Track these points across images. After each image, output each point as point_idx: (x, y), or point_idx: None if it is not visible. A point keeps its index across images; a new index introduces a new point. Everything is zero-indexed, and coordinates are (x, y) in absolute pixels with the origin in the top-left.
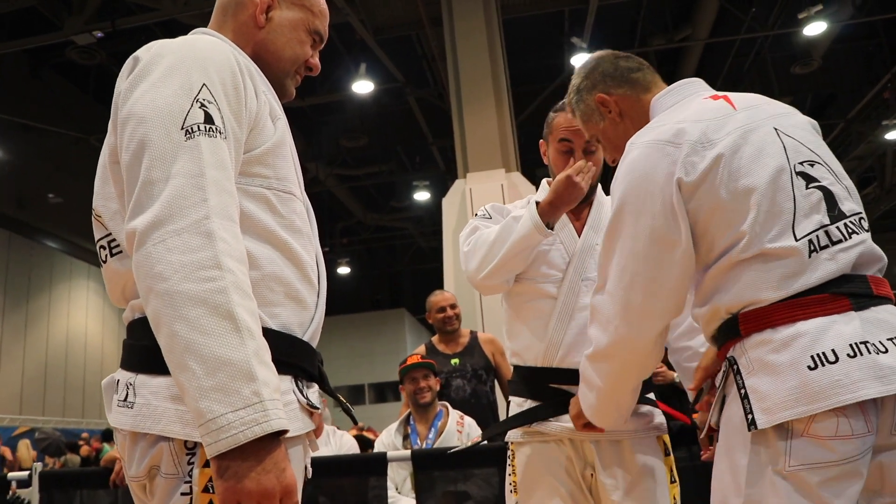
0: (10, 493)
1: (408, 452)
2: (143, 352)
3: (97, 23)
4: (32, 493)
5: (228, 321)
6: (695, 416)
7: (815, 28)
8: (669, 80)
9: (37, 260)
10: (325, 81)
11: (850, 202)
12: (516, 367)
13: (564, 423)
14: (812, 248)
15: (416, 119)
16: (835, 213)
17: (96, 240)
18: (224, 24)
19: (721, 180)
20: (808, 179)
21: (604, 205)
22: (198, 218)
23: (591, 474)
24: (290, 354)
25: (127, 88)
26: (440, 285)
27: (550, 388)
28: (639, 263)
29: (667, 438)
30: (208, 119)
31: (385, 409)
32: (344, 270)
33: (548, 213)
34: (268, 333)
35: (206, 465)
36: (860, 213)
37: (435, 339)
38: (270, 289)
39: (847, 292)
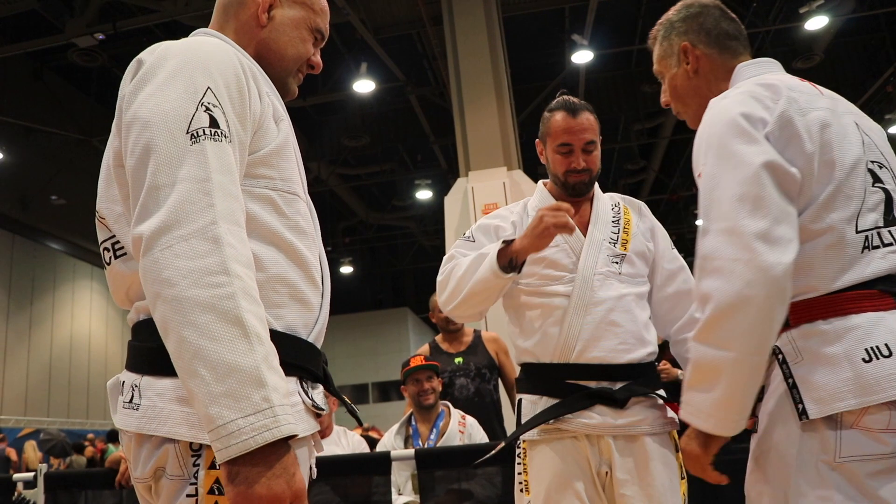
0: (16, 494)
1: (411, 451)
2: (148, 353)
3: (98, 25)
4: (38, 493)
5: (237, 327)
6: None
7: (816, 22)
8: None
9: (40, 261)
10: (327, 81)
11: None
12: (529, 365)
13: (584, 419)
14: (866, 244)
15: (418, 118)
16: (889, 217)
17: (100, 242)
18: (226, 24)
19: (813, 147)
20: (875, 178)
21: (602, 200)
22: (205, 223)
23: (607, 472)
24: (295, 356)
25: (131, 91)
26: None
27: (568, 385)
28: (753, 187)
29: (675, 434)
30: (213, 123)
31: (389, 408)
32: (346, 270)
33: (519, 254)
34: (273, 335)
35: (212, 466)
36: None
37: (438, 337)
38: (275, 290)
39: (894, 292)
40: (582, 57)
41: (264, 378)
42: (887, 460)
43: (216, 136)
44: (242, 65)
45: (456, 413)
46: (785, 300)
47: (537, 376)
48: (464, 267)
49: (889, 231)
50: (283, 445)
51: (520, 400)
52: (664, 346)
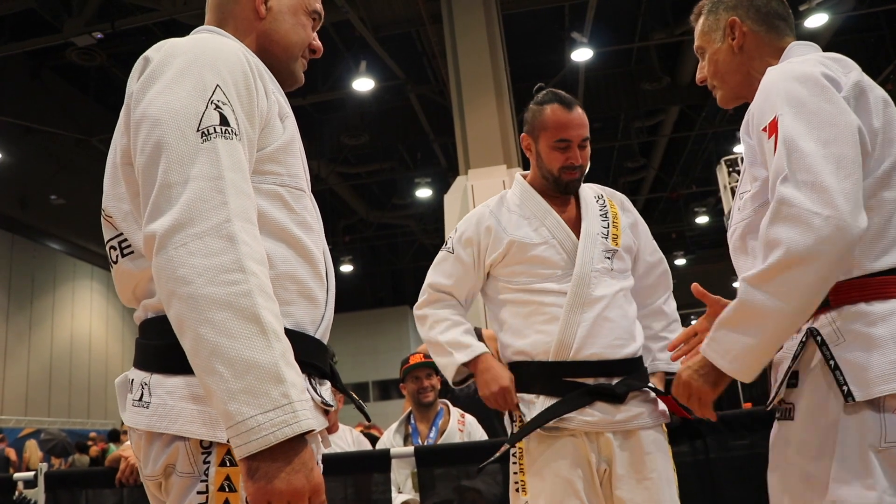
0: (17, 493)
1: (411, 449)
2: (157, 351)
3: (97, 24)
4: (38, 493)
5: (254, 324)
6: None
7: (816, 20)
8: (671, 75)
9: (40, 262)
10: (326, 79)
11: None
12: (523, 364)
13: (584, 416)
14: None
15: (418, 116)
16: None
17: (106, 240)
18: (223, 20)
19: (879, 123)
20: None
21: (585, 192)
22: (219, 221)
23: (605, 469)
24: (303, 353)
25: (139, 89)
26: None
27: (566, 382)
28: (845, 147)
29: (665, 427)
30: (223, 121)
31: (389, 406)
32: (347, 268)
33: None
34: None
35: (223, 464)
36: None
37: None
38: (284, 287)
39: None
40: (582, 55)
41: (283, 374)
42: None
43: (227, 134)
44: (249, 62)
45: (455, 411)
46: (847, 264)
47: (533, 375)
48: (437, 334)
49: None
50: (302, 440)
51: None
52: None
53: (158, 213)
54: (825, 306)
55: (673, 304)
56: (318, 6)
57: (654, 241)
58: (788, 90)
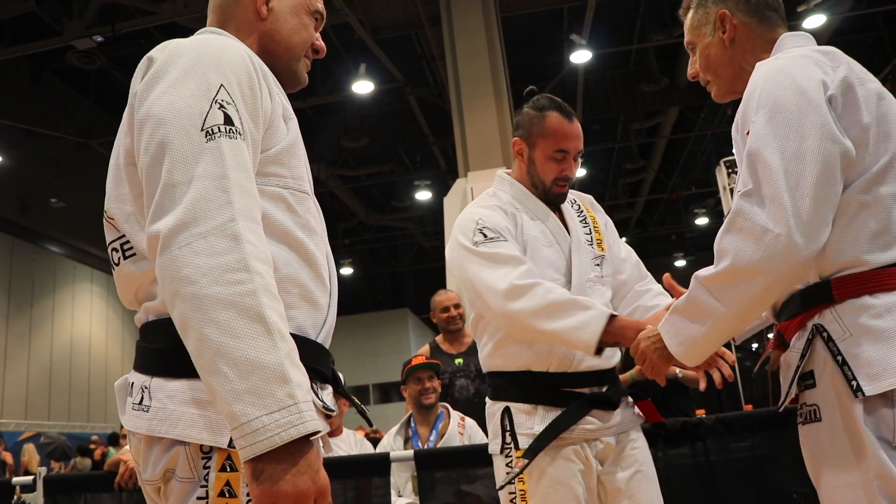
0: (15, 497)
1: (410, 452)
2: (158, 354)
3: (97, 27)
4: (37, 497)
5: (259, 324)
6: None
7: (814, 21)
8: (669, 76)
9: (40, 265)
10: (326, 82)
11: None
12: (519, 374)
13: (584, 425)
14: None
15: (417, 118)
16: None
17: (108, 242)
18: (225, 22)
19: (870, 118)
20: None
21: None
22: (223, 220)
23: (600, 469)
24: (305, 357)
25: (143, 89)
26: (443, 284)
27: (567, 393)
28: (806, 164)
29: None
30: (228, 120)
31: (390, 409)
32: (347, 271)
33: (610, 340)
34: None
35: (223, 469)
36: None
37: (439, 338)
38: (286, 291)
39: None
40: (580, 57)
41: (288, 374)
42: None
43: (231, 134)
44: (253, 63)
45: (455, 415)
46: (797, 280)
47: (531, 385)
48: (558, 301)
49: None
50: (307, 442)
51: (507, 408)
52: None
53: (162, 212)
54: (829, 301)
55: (656, 284)
56: (320, 6)
57: (621, 240)
58: (769, 94)
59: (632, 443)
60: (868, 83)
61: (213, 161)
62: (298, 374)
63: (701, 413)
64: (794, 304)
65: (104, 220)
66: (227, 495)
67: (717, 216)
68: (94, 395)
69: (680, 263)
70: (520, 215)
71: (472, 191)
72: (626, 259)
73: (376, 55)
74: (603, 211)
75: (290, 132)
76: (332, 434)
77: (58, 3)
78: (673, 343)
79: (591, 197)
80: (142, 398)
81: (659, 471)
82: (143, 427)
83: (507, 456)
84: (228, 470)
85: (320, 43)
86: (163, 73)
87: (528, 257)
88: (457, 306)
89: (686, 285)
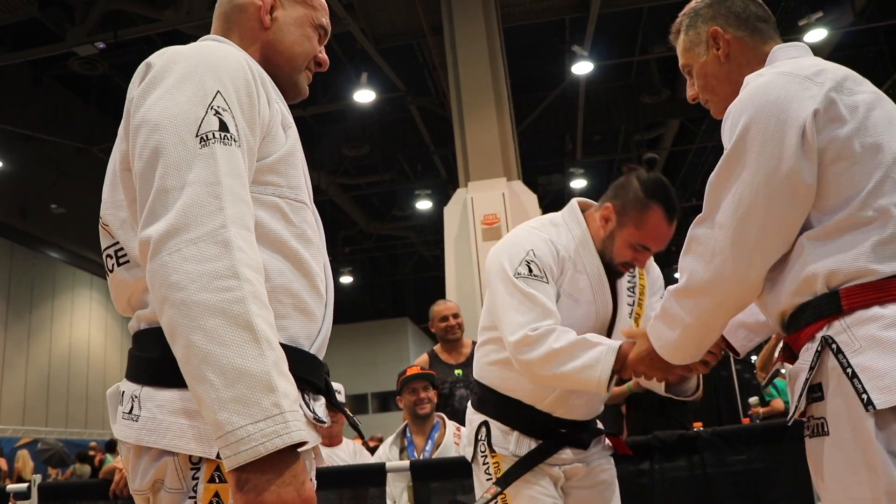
0: None
1: (406, 463)
2: (149, 364)
3: (99, 34)
4: None
5: (247, 332)
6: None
7: (815, 35)
8: (671, 88)
9: (39, 270)
10: (327, 91)
11: None
12: (510, 400)
13: (558, 454)
14: None
15: (418, 128)
16: None
17: (103, 248)
18: (229, 31)
19: (856, 130)
20: None
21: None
22: (214, 227)
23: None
24: (297, 368)
25: (140, 95)
26: (442, 294)
27: (549, 428)
28: (759, 195)
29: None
30: (223, 127)
31: (388, 418)
32: (346, 280)
33: (624, 373)
34: None
35: (211, 480)
36: None
37: (437, 347)
38: (279, 301)
39: None
40: (582, 68)
41: (274, 383)
42: None
43: (226, 140)
44: (252, 70)
45: (451, 425)
46: (746, 301)
47: (516, 412)
48: (564, 346)
49: None
50: (293, 452)
51: (486, 423)
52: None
53: (154, 218)
54: (838, 312)
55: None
56: (325, 21)
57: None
58: (740, 117)
59: (601, 466)
60: (858, 94)
61: (207, 167)
62: (285, 384)
63: (698, 426)
64: (802, 315)
65: (100, 226)
66: None
67: None
68: (92, 401)
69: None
70: (570, 264)
71: (472, 201)
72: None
73: (378, 64)
74: (655, 270)
75: (288, 141)
76: (331, 444)
77: (60, 9)
78: (657, 346)
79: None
80: (132, 407)
81: (655, 483)
82: (132, 437)
83: (483, 463)
84: (217, 481)
85: (323, 56)
86: (160, 78)
87: (558, 307)
88: (455, 316)
89: None
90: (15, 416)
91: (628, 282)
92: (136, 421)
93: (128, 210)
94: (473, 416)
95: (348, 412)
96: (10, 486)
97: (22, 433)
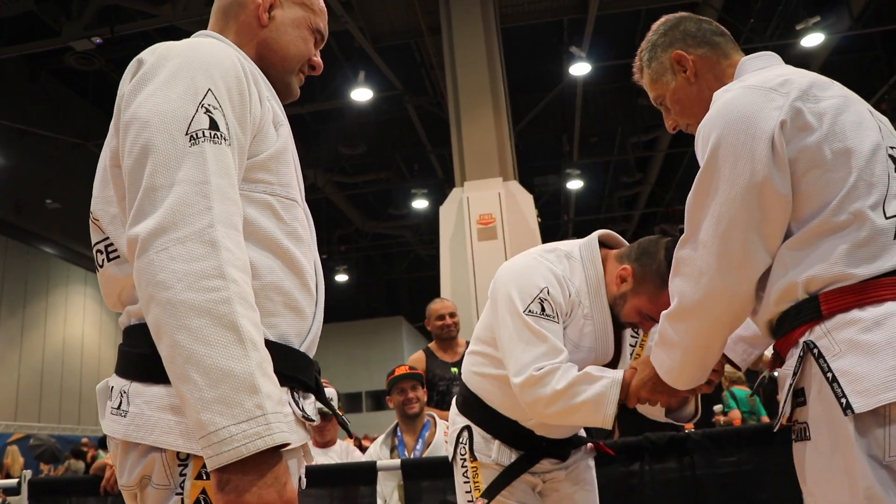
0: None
1: (397, 462)
2: (138, 359)
3: (96, 29)
4: (21, 500)
5: (232, 332)
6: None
7: (812, 39)
8: None
9: (34, 265)
10: (324, 89)
11: None
12: (494, 413)
13: (540, 464)
14: None
15: (415, 127)
16: None
17: (93, 244)
18: (226, 25)
19: (825, 137)
20: None
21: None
22: (202, 226)
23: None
24: (287, 366)
25: (130, 91)
26: (437, 293)
27: (531, 440)
28: (736, 210)
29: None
30: (213, 125)
31: (382, 416)
32: (342, 278)
33: (630, 401)
34: (265, 345)
35: (199, 476)
36: None
37: (433, 345)
38: (269, 299)
39: None
40: (580, 69)
41: (258, 384)
42: None
43: (216, 139)
44: (244, 67)
45: (442, 423)
46: (740, 315)
47: (499, 422)
48: (567, 385)
49: None
50: (275, 454)
51: (468, 427)
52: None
53: (142, 216)
54: (818, 317)
55: None
56: (322, 25)
57: None
58: (710, 135)
59: (583, 465)
60: (824, 100)
61: (196, 166)
62: (269, 385)
63: (689, 428)
64: (786, 321)
65: (90, 221)
66: (203, 503)
67: None
68: (85, 397)
69: None
70: (579, 309)
71: (467, 200)
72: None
73: (376, 63)
74: None
75: (279, 138)
76: (325, 445)
77: (57, 3)
78: (661, 372)
79: None
80: (120, 403)
81: (645, 485)
82: (120, 432)
83: (462, 465)
84: (205, 478)
85: (317, 59)
86: (151, 75)
87: None
88: (452, 315)
89: None
90: (7, 411)
91: (633, 329)
92: (125, 416)
93: (118, 206)
94: (457, 418)
95: (337, 412)
96: (0, 482)
97: (14, 429)
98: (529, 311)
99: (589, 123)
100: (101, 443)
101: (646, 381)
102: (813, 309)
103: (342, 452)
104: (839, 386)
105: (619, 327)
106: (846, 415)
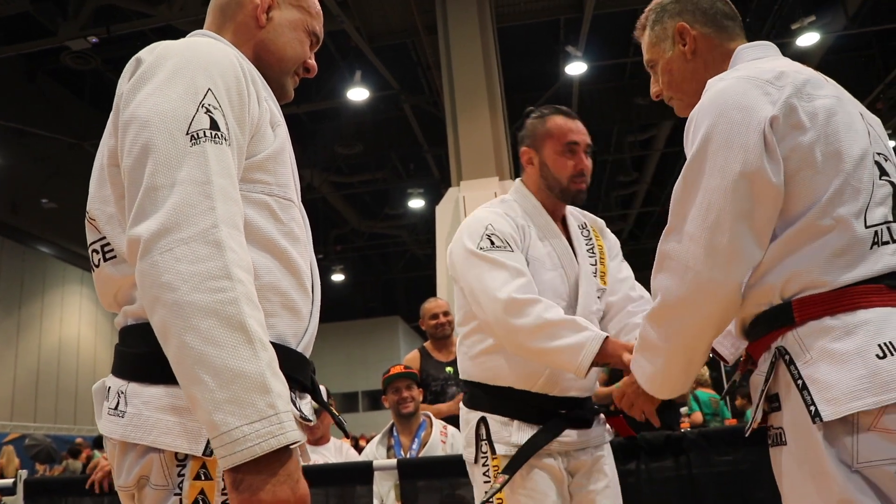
0: None
1: (393, 461)
2: (135, 360)
3: (92, 28)
4: (17, 500)
5: (240, 332)
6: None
7: (808, 39)
8: None
9: (30, 265)
10: (321, 88)
11: None
12: (503, 389)
13: (561, 438)
14: (875, 239)
15: (411, 126)
16: None
17: (89, 243)
18: (223, 25)
19: (818, 138)
20: (882, 171)
21: (570, 218)
22: (206, 227)
23: (570, 480)
24: (284, 366)
25: (129, 90)
26: (434, 292)
27: (545, 410)
28: (727, 200)
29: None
30: (214, 125)
31: (379, 416)
32: (338, 278)
33: (601, 361)
34: None
35: (197, 477)
36: None
37: (428, 344)
38: (267, 299)
39: None
40: (576, 68)
41: (269, 384)
42: None
43: (216, 139)
44: (242, 67)
45: (438, 423)
46: (729, 312)
47: (511, 401)
48: (554, 321)
49: None
50: (287, 452)
51: (483, 419)
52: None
53: (144, 216)
54: (790, 323)
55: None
56: (318, 29)
57: (625, 261)
58: (700, 125)
59: (602, 458)
60: (818, 99)
61: (197, 166)
62: (279, 384)
63: (685, 426)
64: (758, 325)
65: (86, 220)
66: (201, 503)
67: None
68: (81, 397)
69: None
70: (529, 231)
71: (464, 200)
72: (624, 280)
73: (372, 62)
74: (611, 235)
75: (277, 139)
76: (318, 442)
77: (53, 3)
78: (642, 381)
79: (601, 221)
80: (118, 403)
81: (642, 484)
82: (117, 433)
83: (483, 465)
84: (203, 478)
85: (312, 62)
86: (150, 74)
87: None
88: (445, 314)
89: None
90: (3, 411)
91: (586, 244)
92: (122, 417)
93: (115, 206)
94: (469, 415)
95: (334, 411)
96: None
97: (10, 428)
98: (480, 248)
99: (585, 122)
100: (97, 443)
101: (627, 391)
102: (785, 315)
103: (336, 450)
104: (809, 393)
105: (576, 202)
106: (815, 422)
